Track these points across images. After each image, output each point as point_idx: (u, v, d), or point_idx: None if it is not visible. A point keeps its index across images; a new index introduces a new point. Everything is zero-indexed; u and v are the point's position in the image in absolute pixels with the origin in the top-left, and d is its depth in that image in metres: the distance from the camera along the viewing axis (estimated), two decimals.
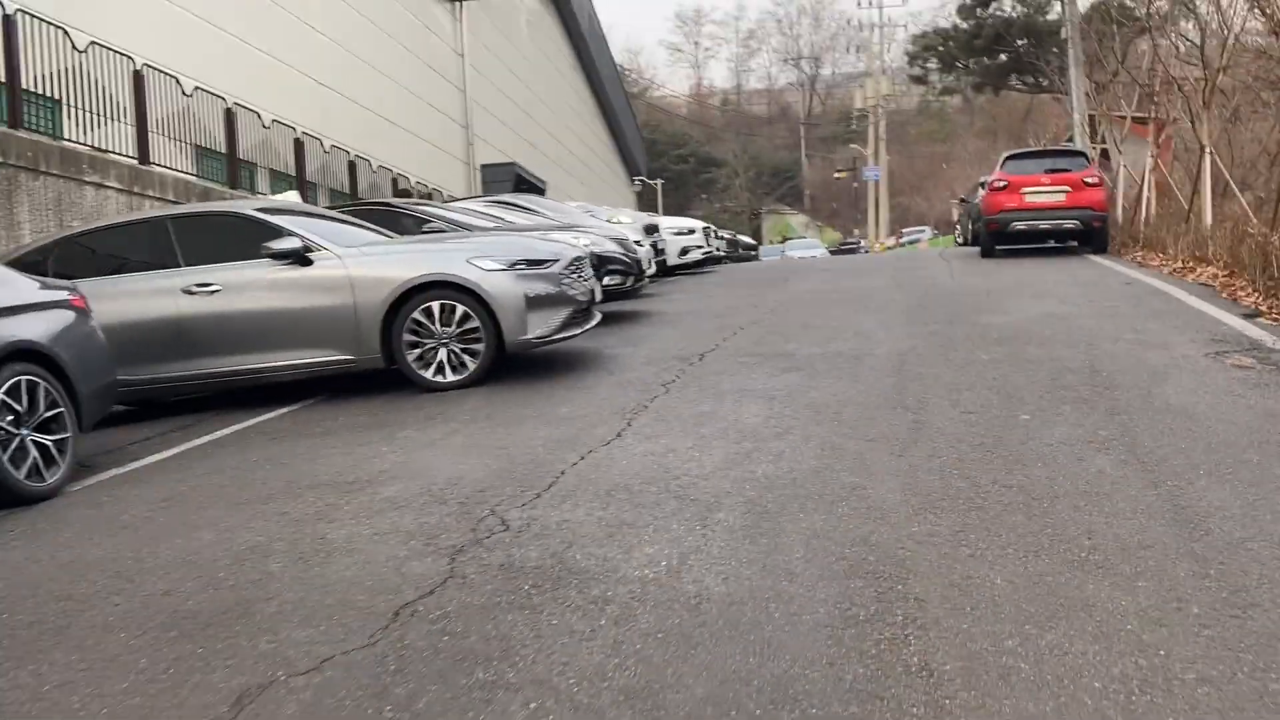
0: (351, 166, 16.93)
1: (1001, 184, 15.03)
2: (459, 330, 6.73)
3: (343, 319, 6.73)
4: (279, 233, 6.84)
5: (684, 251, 16.85)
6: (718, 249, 19.91)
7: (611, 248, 9.71)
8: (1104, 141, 21.46)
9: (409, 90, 22.18)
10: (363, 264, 6.80)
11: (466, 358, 6.77)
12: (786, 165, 71.97)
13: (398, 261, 6.83)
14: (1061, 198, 14.69)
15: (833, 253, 45.13)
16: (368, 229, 7.89)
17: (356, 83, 18.73)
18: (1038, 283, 11.15)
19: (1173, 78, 15.31)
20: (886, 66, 57.80)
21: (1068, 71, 23.25)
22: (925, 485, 4.03)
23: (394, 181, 18.84)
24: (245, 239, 6.88)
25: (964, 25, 32.12)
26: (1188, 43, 20.60)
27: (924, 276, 12.89)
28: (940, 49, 32.77)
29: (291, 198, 11.13)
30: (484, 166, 27.48)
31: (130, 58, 11.20)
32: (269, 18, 15.86)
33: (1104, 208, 14.82)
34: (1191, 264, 11.49)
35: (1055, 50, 30.75)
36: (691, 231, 17.08)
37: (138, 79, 11.24)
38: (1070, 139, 24.12)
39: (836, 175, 63.94)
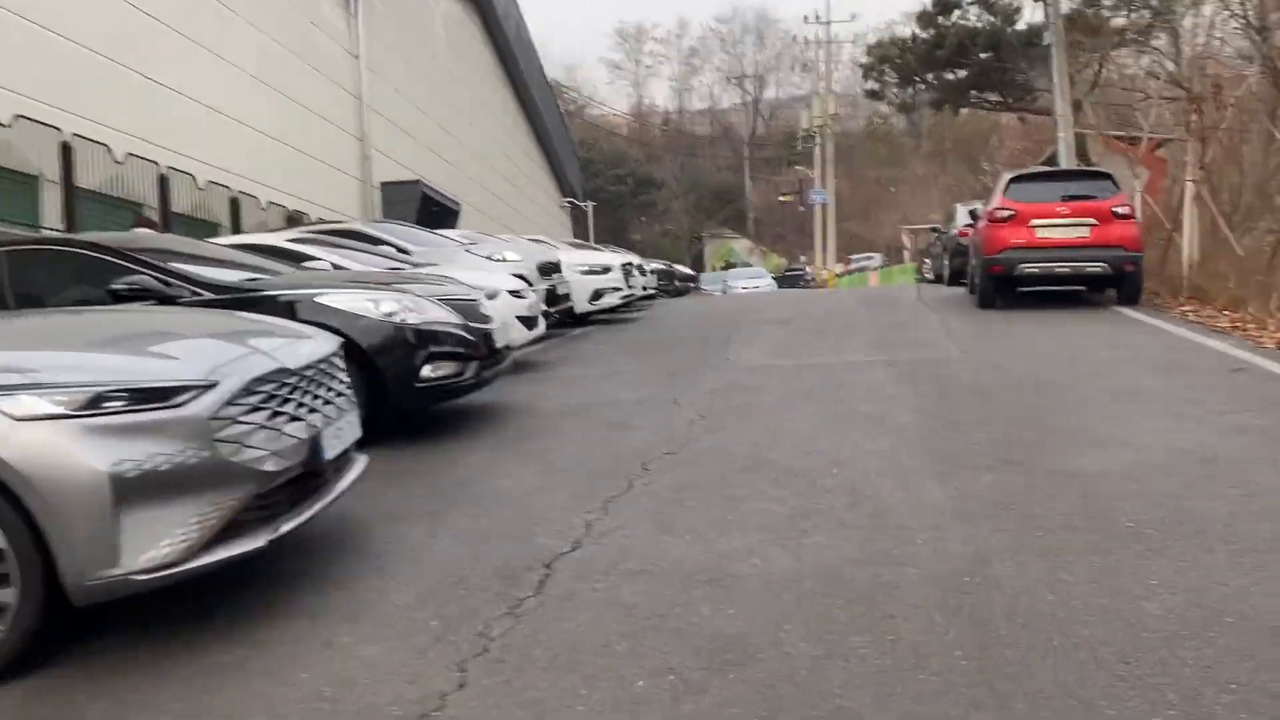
0: (163, 181, 12.88)
1: (1006, 213, 11.51)
2: None
3: None
4: None
5: (596, 295, 13.08)
6: (644, 287, 16.17)
7: (439, 318, 5.87)
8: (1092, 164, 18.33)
9: (281, 93, 18.07)
10: None
11: None
12: (729, 188, 68.59)
13: None
14: (1085, 233, 11.20)
15: (777, 280, 41.80)
16: None
17: (196, 77, 14.63)
18: (1092, 363, 7.55)
19: (1217, 85, 11.96)
20: (833, 86, 54.96)
21: (1051, 84, 20.10)
22: None
23: (233, 201, 14.78)
24: None
25: (924, 35, 28.77)
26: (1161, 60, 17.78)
27: (918, 343, 9.25)
28: (898, 60, 29.38)
29: None
30: (384, 185, 23.53)
31: None
32: None
33: (1139, 247, 11.34)
34: None
35: (1024, 64, 27.67)
36: (606, 270, 13.29)
37: None
38: (1049, 160, 21.00)
39: (781, 199, 60.72)
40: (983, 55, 28.88)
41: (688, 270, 34.45)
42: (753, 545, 3.76)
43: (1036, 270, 11.29)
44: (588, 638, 3.00)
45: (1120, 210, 11.24)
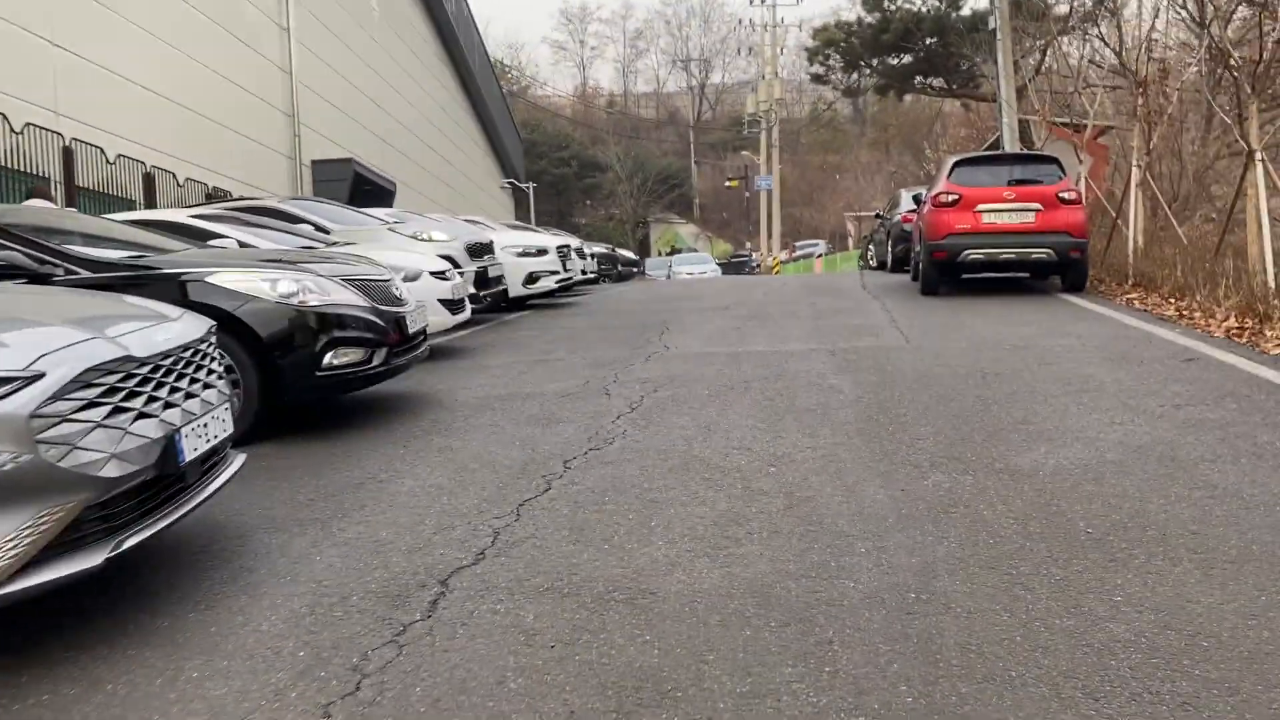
0: (67, 154, 12.11)
1: (951, 198, 11.25)
2: None
3: None
4: None
5: (531, 278, 12.61)
6: (584, 271, 15.72)
7: (343, 300, 5.38)
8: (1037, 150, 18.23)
9: (203, 64, 17.15)
10: None
11: None
12: (675, 172, 68.13)
13: None
14: (1030, 218, 10.99)
15: (722, 266, 41.53)
16: None
17: (107, 45, 13.76)
18: (1040, 352, 7.28)
19: (1163, 69, 11.81)
20: (779, 70, 54.72)
21: (995, 70, 20.00)
22: None
23: (147, 177, 14.02)
24: None
25: (869, 19, 28.62)
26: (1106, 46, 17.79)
27: (861, 331, 8.94)
28: (843, 44, 29.21)
29: None
30: (315, 163, 22.70)
31: None
32: None
33: (1085, 233, 11.15)
34: (1251, 322, 7.83)
35: (969, 49, 27.67)
36: (542, 252, 12.81)
37: None
38: (993, 147, 20.92)
39: (727, 184, 60.50)
40: (928, 40, 28.86)
41: (631, 255, 33.97)
42: (677, 557, 3.37)
43: (981, 256, 11.04)
44: (479, 673, 2.58)
45: (1066, 195, 11.03)
